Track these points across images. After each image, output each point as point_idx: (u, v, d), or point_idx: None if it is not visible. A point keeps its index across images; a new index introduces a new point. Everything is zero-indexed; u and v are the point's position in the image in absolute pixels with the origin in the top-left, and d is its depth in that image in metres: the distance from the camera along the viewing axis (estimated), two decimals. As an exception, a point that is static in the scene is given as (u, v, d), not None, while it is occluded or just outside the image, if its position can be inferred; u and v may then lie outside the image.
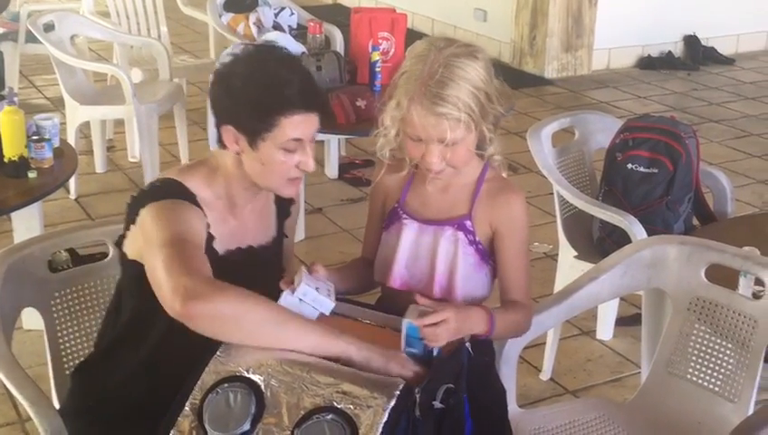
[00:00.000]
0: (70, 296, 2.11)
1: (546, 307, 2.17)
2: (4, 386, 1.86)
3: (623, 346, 3.40)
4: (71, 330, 2.12)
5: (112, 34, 5.26)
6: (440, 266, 1.91)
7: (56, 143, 3.32)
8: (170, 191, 1.82)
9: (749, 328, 2.14)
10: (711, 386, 2.20)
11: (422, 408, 1.56)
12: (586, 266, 2.70)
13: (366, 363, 1.62)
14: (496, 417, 1.96)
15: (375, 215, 2.04)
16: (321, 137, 4.24)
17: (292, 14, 5.13)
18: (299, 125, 1.79)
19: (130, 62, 5.27)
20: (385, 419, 1.49)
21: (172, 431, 1.58)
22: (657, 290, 2.34)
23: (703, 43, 7.50)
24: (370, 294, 2.04)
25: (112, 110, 4.67)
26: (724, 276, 2.21)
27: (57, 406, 1.99)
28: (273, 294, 1.72)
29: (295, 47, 4.07)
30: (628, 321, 3.45)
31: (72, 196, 4.59)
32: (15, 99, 3.32)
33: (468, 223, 1.91)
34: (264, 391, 1.56)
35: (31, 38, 5.06)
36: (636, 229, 2.90)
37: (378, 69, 3.92)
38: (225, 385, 1.58)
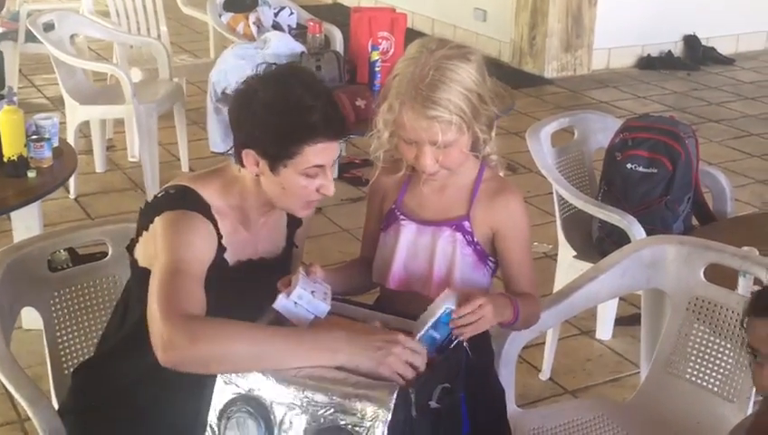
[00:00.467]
0: (69, 296, 2.11)
1: (545, 307, 2.17)
2: (3, 385, 1.86)
3: (622, 346, 3.40)
4: (70, 329, 2.12)
5: (112, 34, 5.26)
6: (438, 267, 1.91)
7: (56, 143, 3.32)
8: (185, 201, 1.81)
9: (748, 328, 2.14)
10: (710, 386, 2.20)
11: (418, 407, 1.56)
12: (585, 266, 2.70)
13: (356, 369, 1.61)
14: (495, 416, 1.96)
15: (372, 216, 2.04)
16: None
17: (292, 13, 5.13)
18: (322, 152, 1.78)
19: (130, 62, 5.28)
20: (386, 429, 1.51)
21: None
22: (657, 290, 2.34)
23: (703, 42, 7.51)
24: (369, 295, 2.04)
25: (112, 109, 4.68)
26: (723, 276, 2.21)
27: (56, 406, 1.99)
28: None
29: (295, 47, 4.07)
30: (627, 321, 3.45)
31: (72, 195, 4.59)
32: (15, 98, 3.32)
33: (467, 224, 1.91)
34: (268, 409, 1.60)
35: (31, 37, 5.06)
36: (635, 229, 2.90)
37: (377, 69, 3.92)
38: (235, 407, 1.62)
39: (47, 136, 3.24)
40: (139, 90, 4.59)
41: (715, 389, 2.19)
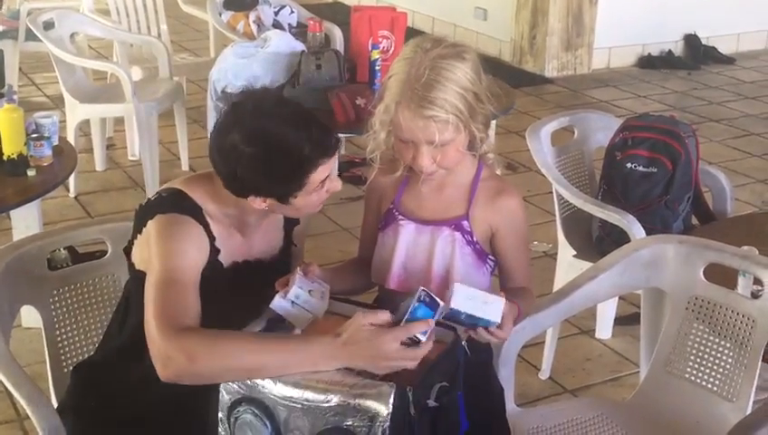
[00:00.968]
0: (68, 294, 2.11)
1: (545, 306, 2.17)
2: (3, 384, 1.86)
3: (622, 345, 3.40)
4: (69, 328, 2.12)
5: (112, 32, 5.26)
6: (437, 267, 1.91)
7: (55, 141, 3.32)
8: (177, 204, 1.81)
9: (748, 327, 2.14)
10: (709, 385, 2.20)
11: (416, 406, 1.56)
12: (585, 265, 2.69)
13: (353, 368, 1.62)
14: (494, 415, 1.96)
15: (370, 216, 2.04)
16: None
17: (292, 12, 5.13)
18: (324, 169, 1.79)
19: (130, 61, 5.27)
20: (387, 429, 1.52)
21: None
22: (656, 289, 2.34)
23: (703, 42, 7.50)
24: (367, 294, 2.04)
25: (112, 108, 4.68)
26: (722, 276, 2.21)
27: (55, 404, 1.99)
28: None
29: (295, 45, 4.07)
30: (626, 320, 3.45)
31: (72, 194, 4.59)
32: (15, 96, 3.32)
33: (466, 223, 1.91)
34: (272, 411, 1.62)
35: (31, 36, 5.05)
36: (635, 228, 2.90)
37: (377, 67, 3.91)
38: (241, 408, 1.64)
39: (47, 134, 3.24)
40: (140, 88, 4.59)
41: (715, 388, 2.19)
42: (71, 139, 4.24)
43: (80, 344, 2.13)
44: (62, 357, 2.11)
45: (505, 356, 2.08)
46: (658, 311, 2.47)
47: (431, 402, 1.61)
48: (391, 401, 1.53)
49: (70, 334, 2.12)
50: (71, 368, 2.04)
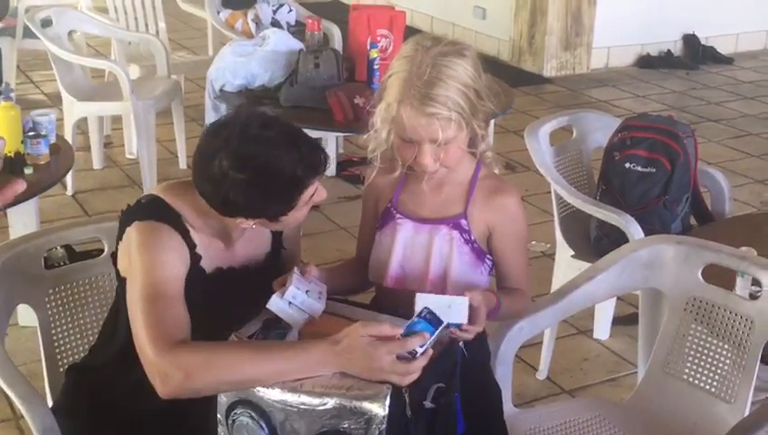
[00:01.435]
0: (64, 293, 2.10)
1: (543, 306, 2.17)
2: (-1, 383, 1.86)
3: (620, 346, 3.40)
4: (65, 327, 2.11)
5: (110, 30, 5.25)
6: (435, 266, 1.90)
7: (53, 139, 3.31)
8: (155, 211, 1.79)
9: (746, 329, 2.14)
10: (707, 386, 2.20)
11: (413, 408, 1.56)
12: (583, 266, 2.69)
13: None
14: (491, 416, 1.96)
15: (368, 215, 2.03)
16: (318, 134, 4.23)
17: (291, 10, 5.13)
18: (313, 188, 1.78)
19: (128, 59, 5.27)
20: (383, 431, 1.52)
21: None
22: (654, 290, 2.33)
23: (702, 42, 7.50)
24: (365, 294, 2.03)
25: (110, 106, 4.67)
26: (721, 277, 2.21)
27: (51, 403, 1.98)
28: None
29: (293, 44, 4.06)
30: (624, 320, 3.45)
31: (69, 192, 4.58)
32: (12, 94, 3.30)
33: (464, 222, 1.91)
34: (268, 414, 1.61)
35: (28, 33, 5.05)
36: (633, 229, 2.90)
37: (376, 66, 3.90)
38: (238, 411, 1.64)
39: (44, 132, 3.23)
40: (137, 86, 4.58)
41: (713, 389, 2.19)
42: (68, 137, 4.24)
43: (75, 344, 2.12)
44: (58, 356, 2.10)
45: (503, 357, 2.07)
46: (656, 311, 2.46)
47: (428, 404, 1.61)
48: (388, 402, 1.53)
49: (66, 333, 2.11)
50: (66, 367, 2.04)
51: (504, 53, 7.23)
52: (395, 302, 1.89)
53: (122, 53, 5.29)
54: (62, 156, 3.31)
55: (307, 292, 1.73)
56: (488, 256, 1.95)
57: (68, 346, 2.11)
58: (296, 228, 2.03)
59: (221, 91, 3.98)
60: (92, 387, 1.91)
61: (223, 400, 1.66)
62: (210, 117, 4.20)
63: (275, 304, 1.71)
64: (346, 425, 1.54)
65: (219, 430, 1.69)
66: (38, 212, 3.37)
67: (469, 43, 1.91)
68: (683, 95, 6.68)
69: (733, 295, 2.17)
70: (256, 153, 1.70)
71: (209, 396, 1.67)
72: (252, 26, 5.00)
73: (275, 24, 4.95)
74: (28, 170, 3.11)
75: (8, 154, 3.09)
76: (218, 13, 5.25)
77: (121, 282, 1.81)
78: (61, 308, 2.10)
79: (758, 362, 2.11)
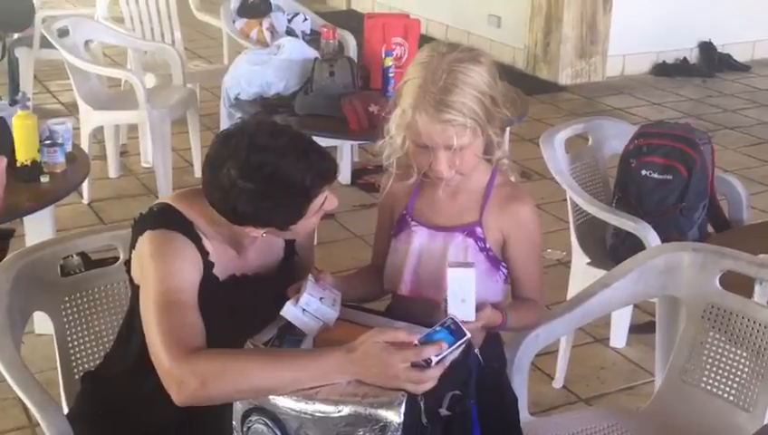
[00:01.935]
0: (80, 300, 2.11)
1: (559, 314, 2.16)
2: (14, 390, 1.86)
3: (637, 354, 3.38)
4: (81, 334, 2.11)
5: (126, 40, 5.27)
6: (450, 273, 1.89)
7: (69, 148, 3.32)
8: (167, 219, 1.79)
9: (764, 336, 2.12)
10: (725, 395, 2.18)
11: (429, 415, 1.55)
12: (599, 273, 2.68)
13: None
14: (507, 424, 1.95)
15: (384, 223, 2.03)
16: (333, 142, 4.24)
17: (306, 19, 5.14)
18: (323, 196, 1.78)
19: (144, 68, 5.29)
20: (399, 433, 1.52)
21: None
22: (671, 297, 2.32)
23: (718, 49, 7.47)
24: (380, 301, 2.03)
25: (126, 115, 4.69)
26: (738, 284, 2.19)
27: (67, 411, 1.98)
28: None
29: (308, 52, 4.07)
30: (641, 328, 3.43)
31: (86, 201, 4.60)
32: (29, 103, 3.32)
33: (479, 230, 1.90)
34: (283, 422, 1.61)
35: (45, 43, 5.07)
36: (650, 236, 2.88)
37: (391, 74, 3.91)
38: (253, 418, 1.64)
39: (60, 141, 3.24)
40: (153, 95, 4.60)
41: (731, 398, 2.17)
42: (84, 146, 4.26)
43: (91, 351, 2.13)
44: (74, 363, 2.10)
45: (519, 365, 2.06)
46: (674, 319, 2.45)
47: (443, 411, 1.60)
48: (403, 410, 1.52)
49: (81, 340, 2.11)
50: (81, 374, 2.04)
51: (519, 62, 7.23)
52: (410, 309, 1.88)
53: (138, 62, 5.31)
54: (79, 164, 3.32)
55: (321, 299, 1.73)
56: (503, 264, 1.94)
57: (83, 353, 2.12)
58: (309, 236, 2.02)
59: (236, 99, 3.99)
60: (107, 394, 1.92)
61: (238, 407, 1.66)
62: (225, 125, 4.21)
63: (289, 311, 1.71)
64: (361, 432, 1.53)
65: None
66: (54, 220, 3.38)
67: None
68: (699, 103, 6.65)
69: (751, 303, 2.16)
70: (265, 162, 1.70)
71: (224, 404, 1.67)
72: (267, 35, 5.01)
73: (290, 32, 4.96)
74: (44, 179, 3.12)
75: (25, 162, 3.11)
76: (234, 22, 5.27)
77: (135, 289, 1.81)
78: (76, 315, 2.10)
79: (777, 371, 2.10)
